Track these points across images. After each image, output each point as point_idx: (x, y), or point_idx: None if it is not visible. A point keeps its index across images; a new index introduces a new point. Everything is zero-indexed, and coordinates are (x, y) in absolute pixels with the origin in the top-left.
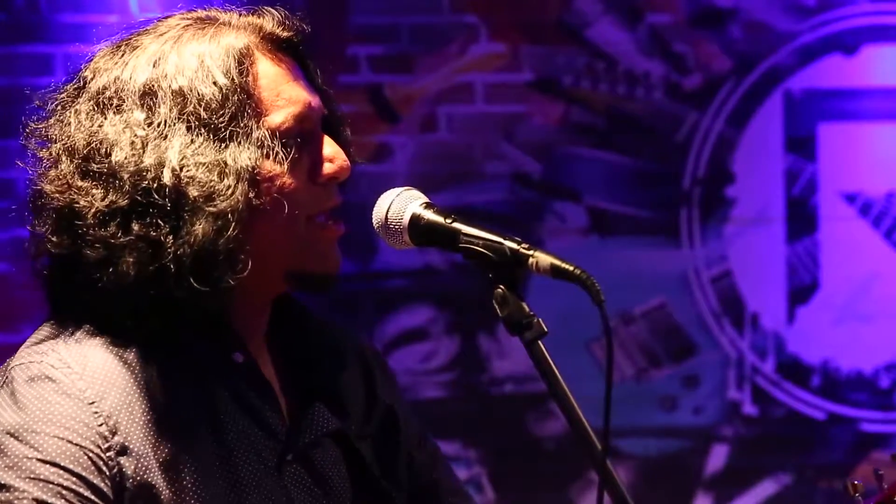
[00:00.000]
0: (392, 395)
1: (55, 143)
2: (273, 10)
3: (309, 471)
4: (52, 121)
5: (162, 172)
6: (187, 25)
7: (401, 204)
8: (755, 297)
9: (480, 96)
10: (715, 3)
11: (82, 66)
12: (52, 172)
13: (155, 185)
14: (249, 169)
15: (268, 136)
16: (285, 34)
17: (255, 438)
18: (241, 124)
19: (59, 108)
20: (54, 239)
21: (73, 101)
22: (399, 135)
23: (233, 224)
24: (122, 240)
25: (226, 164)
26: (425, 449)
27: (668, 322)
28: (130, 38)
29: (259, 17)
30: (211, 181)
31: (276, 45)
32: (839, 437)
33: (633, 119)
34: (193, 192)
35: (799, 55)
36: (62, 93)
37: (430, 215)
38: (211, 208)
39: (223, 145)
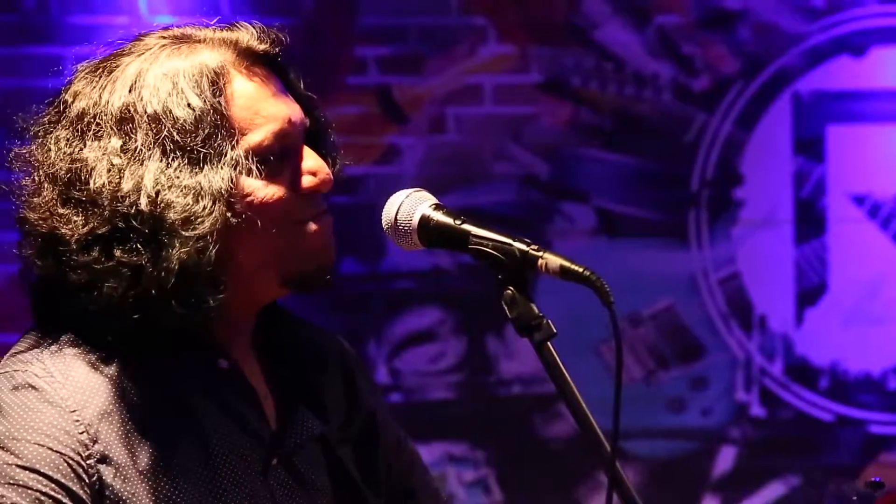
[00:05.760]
0: (372, 400)
1: (37, 169)
2: (248, 24)
3: (293, 474)
4: (34, 146)
5: (139, 198)
6: (164, 45)
7: (411, 205)
8: (763, 298)
9: (489, 97)
10: (723, 4)
11: (63, 89)
12: (36, 200)
13: (133, 210)
14: (226, 190)
15: (245, 155)
16: (262, 47)
17: (240, 443)
18: (216, 145)
19: (40, 133)
20: (39, 262)
21: (54, 127)
22: (407, 136)
23: (212, 245)
24: (104, 265)
25: (201, 186)
26: (403, 454)
27: (676, 324)
28: (108, 60)
29: (235, 32)
30: (187, 205)
31: (253, 60)
32: (847, 439)
33: (642, 120)
34: (170, 216)
35: (807, 57)
36: (44, 117)
37: (439, 217)
38: (189, 232)
39: (198, 168)
